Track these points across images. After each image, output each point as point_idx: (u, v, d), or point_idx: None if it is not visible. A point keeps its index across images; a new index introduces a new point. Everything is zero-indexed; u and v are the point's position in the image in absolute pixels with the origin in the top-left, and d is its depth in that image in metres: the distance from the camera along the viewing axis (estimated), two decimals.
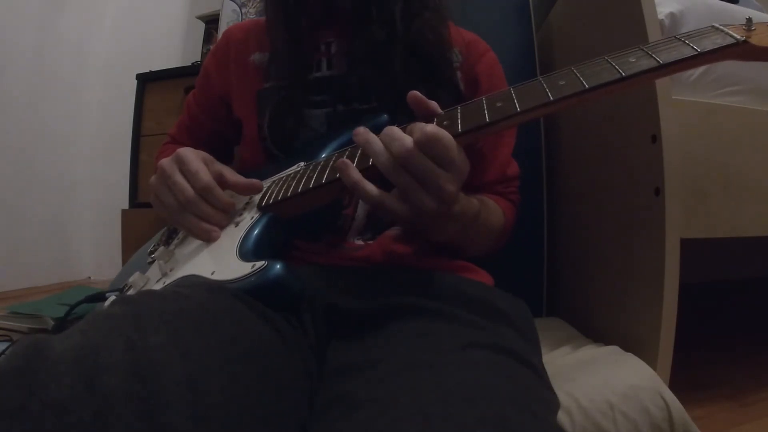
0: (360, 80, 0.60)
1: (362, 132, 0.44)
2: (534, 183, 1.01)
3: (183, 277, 0.50)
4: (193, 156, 0.54)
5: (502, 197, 0.67)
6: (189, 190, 0.52)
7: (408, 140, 0.41)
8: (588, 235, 0.96)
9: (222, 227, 0.53)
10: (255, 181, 0.55)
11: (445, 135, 0.41)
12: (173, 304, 0.36)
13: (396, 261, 0.54)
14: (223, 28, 1.77)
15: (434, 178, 0.41)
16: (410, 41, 0.59)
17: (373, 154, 0.42)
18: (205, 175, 0.52)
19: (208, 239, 0.52)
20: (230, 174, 0.55)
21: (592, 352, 0.73)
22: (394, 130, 0.42)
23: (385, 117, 0.57)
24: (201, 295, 0.39)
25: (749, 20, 0.36)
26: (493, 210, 0.62)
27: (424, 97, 0.45)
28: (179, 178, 0.53)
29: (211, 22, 1.99)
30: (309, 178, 0.49)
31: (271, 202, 0.52)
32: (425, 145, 0.40)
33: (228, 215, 0.54)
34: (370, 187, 0.42)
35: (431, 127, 0.41)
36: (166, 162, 0.54)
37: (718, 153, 0.78)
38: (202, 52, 2.02)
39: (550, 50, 1.11)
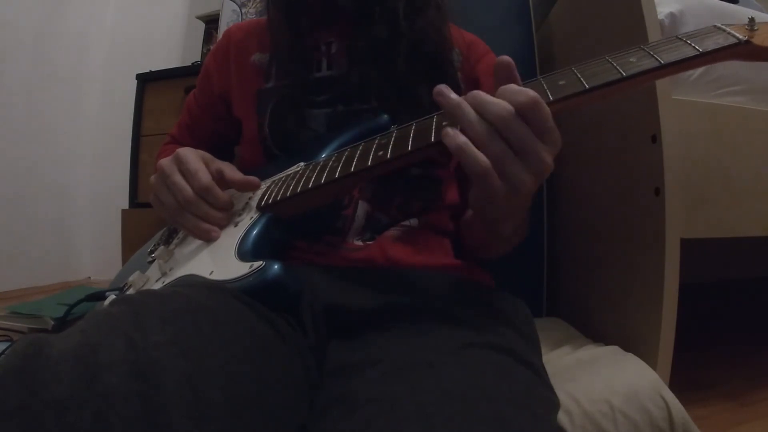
0: (360, 80, 0.60)
1: (446, 92, 0.39)
2: None
3: (181, 277, 0.50)
4: (192, 156, 0.54)
5: None
6: (188, 190, 0.52)
7: (505, 103, 0.37)
8: (588, 235, 0.96)
9: (221, 227, 0.53)
10: (252, 178, 0.55)
11: (544, 102, 0.37)
12: (173, 303, 0.36)
13: (395, 261, 0.54)
14: (223, 28, 1.77)
15: (532, 147, 0.37)
16: (413, 39, 0.59)
17: (465, 121, 0.38)
18: (204, 175, 0.53)
19: (208, 239, 0.52)
20: (229, 171, 0.55)
21: (592, 352, 0.73)
22: (484, 95, 0.38)
23: (386, 117, 0.57)
24: (201, 294, 0.39)
25: (752, 20, 0.36)
26: None
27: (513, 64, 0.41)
28: (178, 178, 0.53)
29: (211, 22, 1.99)
30: (309, 179, 0.49)
31: (270, 202, 0.52)
32: (527, 111, 0.36)
33: (228, 215, 0.54)
34: (479, 155, 0.37)
35: (534, 92, 0.37)
36: (165, 162, 0.54)
37: (718, 153, 0.78)
38: (202, 52, 2.02)
39: (550, 50, 1.11)
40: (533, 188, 0.39)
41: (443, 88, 0.39)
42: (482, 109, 0.38)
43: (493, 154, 0.37)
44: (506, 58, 0.40)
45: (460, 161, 0.38)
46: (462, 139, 0.37)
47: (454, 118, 0.39)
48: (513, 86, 0.38)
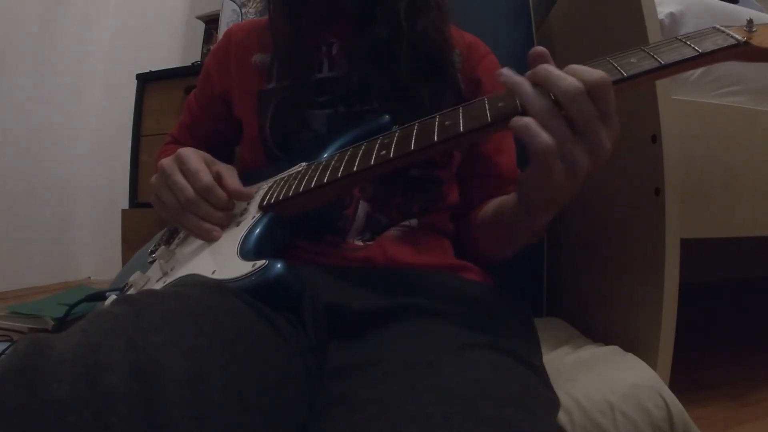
0: (361, 81, 0.60)
1: (507, 73, 0.39)
2: None
3: (183, 277, 0.50)
4: (193, 156, 0.54)
5: None
6: (189, 189, 0.52)
7: (574, 80, 0.36)
8: (588, 235, 0.96)
9: (223, 227, 0.53)
10: (247, 189, 0.55)
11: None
12: (174, 303, 0.36)
13: (395, 261, 0.54)
14: (223, 28, 1.77)
15: (596, 128, 0.36)
16: (414, 40, 0.59)
17: (526, 97, 0.37)
18: (206, 175, 0.53)
19: (209, 239, 0.52)
20: (228, 177, 0.55)
21: (592, 352, 0.73)
22: (554, 69, 0.37)
23: (387, 118, 0.58)
24: (202, 294, 0.39)
25: (750, 21, 0.36)
26: None
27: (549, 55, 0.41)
28: (179, 178, 0.53)
29: (211, 22, 1.99)
30: (310, 179, 0.50)
31: (272, 201, 0.52)
32: (597, 91, 0.36)
33: (229, 215, 0.54)
34: (543, 133, 0.36)
35: (605, 73, 0.36)
36: (166, 162, 0.54)
37: (718, 153, 0.78)
38: (202, 52, 2.02)
39: (550, 50, 1.10)
40: (590, 172, 0.38)
41: (504, 71, 0.40)
42: (550, 83, 0.37)
43: (554, 132, 0.36)
44: (540, 48, 0.40)
45: (523, 140, 0.37)
46: (526, 118, 0.37)
47: (517, 96, 0.38)
48: (582, 66, 0.37)
